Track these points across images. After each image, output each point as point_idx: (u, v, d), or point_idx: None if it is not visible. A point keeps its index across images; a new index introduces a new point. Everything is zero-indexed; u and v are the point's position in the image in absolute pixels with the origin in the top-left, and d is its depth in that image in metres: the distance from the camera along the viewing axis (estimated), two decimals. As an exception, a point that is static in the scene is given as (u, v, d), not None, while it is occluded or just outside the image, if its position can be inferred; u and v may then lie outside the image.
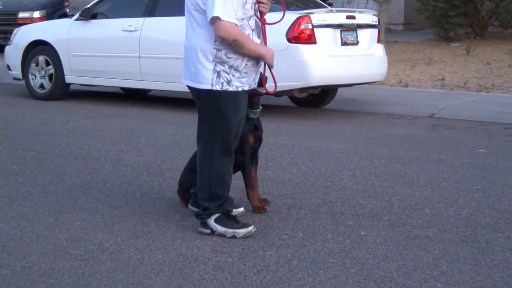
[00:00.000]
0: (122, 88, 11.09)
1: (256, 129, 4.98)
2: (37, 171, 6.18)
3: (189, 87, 4.59)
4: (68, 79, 10.39)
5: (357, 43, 9.25)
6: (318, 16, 8.86)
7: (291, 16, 8.68)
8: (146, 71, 9.64)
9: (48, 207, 5.13)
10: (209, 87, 4.42)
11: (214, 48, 4.40)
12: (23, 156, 6.77)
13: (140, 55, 9.62)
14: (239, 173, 5.16)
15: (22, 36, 10.89)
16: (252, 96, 4.76)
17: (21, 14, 16.26)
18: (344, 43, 9.10)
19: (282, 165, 6.49)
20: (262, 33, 4.61)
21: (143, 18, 9.72)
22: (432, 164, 6.56)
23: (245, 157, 4.95)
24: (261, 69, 4.71)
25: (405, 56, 14.32)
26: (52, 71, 10.46)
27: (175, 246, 4.36)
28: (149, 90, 10.85)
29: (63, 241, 4.44)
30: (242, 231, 4.48)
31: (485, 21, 16.28)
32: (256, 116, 4.94)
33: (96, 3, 10.28)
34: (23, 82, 10.86)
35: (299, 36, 8.63)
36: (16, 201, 5.29)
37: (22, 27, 11.37)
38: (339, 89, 10.01)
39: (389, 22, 16.76)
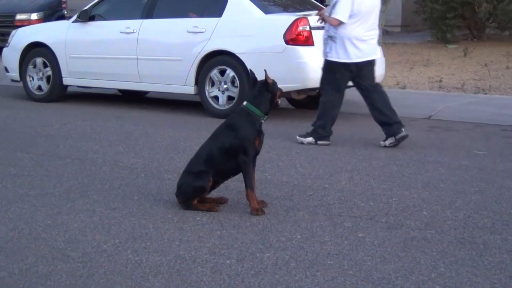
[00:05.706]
0: (120, 90, 11.08)
1: (260, 132, 5.09)
2: (34, 173, 6.18)
3: None
4: (66, 81, 10.38)
5: (354, 45, 9.23)
6: (316, 18, 8.84)
7: (288, 18, 8.68)
8: (143, 73, 9.64)
9: (45, 209, 5.12)
10: None
11: None
12: (21, 158, 6.76)
13: (138, 57, 9.62)
14: (238, 175, 5.17)
15: (20, 38, 10.87)
16: (275, 106, 5.24)
17: (19, 16, 16.25)
18: (341, 45, 9.07)
19: (280, 167, 6.49)
20: None
21: (140, 20, 9.72)
22: (429, 166, 6.57)
23: (247, 158, 5.01)
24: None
25: (402, 58, 14.32)
26: (50, 73, 10.45)
27: (173, 248, 4.36)
28: (146, 92, 10.86)
29: (61, 243, 4.43)
30: None
31: (483, 23, 16.28)
32: (264, 121, 5.13)
33: (94, 5, 10.27)
34: (20, 84, 10.85)
35: (297, 38, 8.62)
36: (13, 203, 5.28)
37: (20, 29, 11.35)
38: (337, 91, 9.98)
39: (386, 24, 16.75)
